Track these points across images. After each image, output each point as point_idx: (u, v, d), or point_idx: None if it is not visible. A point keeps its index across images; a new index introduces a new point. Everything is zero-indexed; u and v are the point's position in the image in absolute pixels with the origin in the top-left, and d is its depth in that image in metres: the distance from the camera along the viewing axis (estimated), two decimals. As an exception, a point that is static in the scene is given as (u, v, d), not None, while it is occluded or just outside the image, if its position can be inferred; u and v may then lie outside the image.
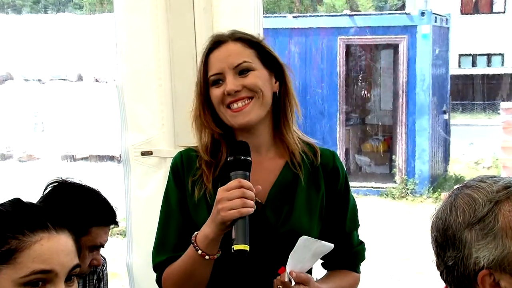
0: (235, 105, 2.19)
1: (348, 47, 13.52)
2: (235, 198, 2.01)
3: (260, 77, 2.22)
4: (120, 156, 3.24)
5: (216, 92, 2.22)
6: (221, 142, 2.27)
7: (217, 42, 2.24)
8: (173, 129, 3.01)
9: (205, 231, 2.08)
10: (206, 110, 2.25)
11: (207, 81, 2.23)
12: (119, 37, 3.04)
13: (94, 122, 15.10)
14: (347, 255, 2.35)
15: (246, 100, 2.19)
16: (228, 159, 2.11)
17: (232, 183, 2.04)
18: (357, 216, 2.38)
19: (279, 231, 2.20)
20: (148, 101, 3.04)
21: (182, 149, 2.36)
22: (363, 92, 14.52)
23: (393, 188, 13.10)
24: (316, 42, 13.33)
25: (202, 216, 2.17)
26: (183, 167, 2.28)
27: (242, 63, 2.21)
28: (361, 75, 14.46)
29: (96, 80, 15.85)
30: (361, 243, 2.39)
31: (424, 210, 11.65)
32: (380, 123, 14.46)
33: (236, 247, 1.99)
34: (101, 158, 15.42)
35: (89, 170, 13.83)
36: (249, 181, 2.06)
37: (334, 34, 13.30)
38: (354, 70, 14.30)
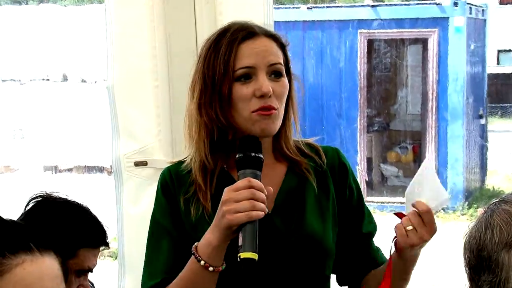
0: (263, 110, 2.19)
1: (370, 42, 13.53)
2: (244, 199, 2.00)
3: (287, 86, 2.25)
4: (111, 167, 3.25)
5: (243, 90, 2.19)
6: (215, 150, 2.27)
7: (251, 33, 2.22)
8: (171, 136, 3.03)
9: (208, 238, 2.08)
10: (218, 108, 2.22)
11: (229, 74, 2.19)
12: (110, 32, 3.06)
13: (81, 129, 15.13)
14: (367, 261, 2.39)
15: (271, 109, 2.19)
16: (237, 156, 2.11)
17: (241, 182, 2.04)
18: (373, 217, 2.43)
19: (290, 239, 2.22)
20: (143, 104, 3.06)
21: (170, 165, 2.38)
22: (387, 93, 14.51)
23: (422, 203, 13.06)
24: (334, 36, 13.35)
25: (202, 234, 2.17)
26: (173, 182, 2.29)
27: (278, 64, 2.22)
28: (385, 74, 14.46)
29: (83, 81, 15.89)
30: (378, 249, 2.44)
31: (457, 229, 11.61)
32: (407, 129, 14.45)
33: (242, 255, 1.98)
34: (89, 169, 15.44)
35: (75, 183, 13.85)
36: (260, 181, 2.06)
37: (355, 27, 13.32)
38: (377, 69, 14.30)
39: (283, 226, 2.22)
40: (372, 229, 2.41)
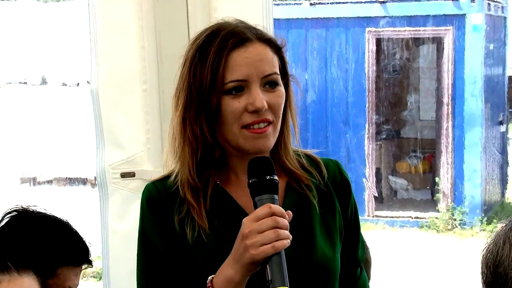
0: (255, 126, 2.18)
1: (379, 41, 13.55)
2: (267, 229, 2.00)
3: (283, 95, 2.23)
4: (95, 179, 3.26)
5: (234, 105, 2.17)
6: (203, 165, 2.27)
7: (243, 39, 2.19)
8: (161, 145, 3.02)
9: (228, 274, 2.08)
10: (204, 123, 2.21)
11: (218, 87, 2.17)
12: (94, 30, 3.06)
13: (61, 136, 15.12)
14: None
15: (266, 123, 2.19)
16: (250, 181, 2.09)
17: (261, 210, 2.03)
18: (365, 241, 2.49)
19: (300, 266, 2.22)
20: (130, 110, 3.06)
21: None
22: (397, 98, 14.52)
23: (437, 218, 13.07)
24: (339, 35, 13.37)
25: (201, 257, 2.19)
26: (161, 198, 2.28)
27: (273, 74, 2.20)
28: (395, 77, 14.48)
29: (64, 84, 15.89)
30: (365, 278, 2.47)
31: (475, 246, 11.61)
32: (419, 137, 14.46)
33: None
34: (70, 181, 15.43)
35: (55, 196, 13.84)
36: (278, 205, 2.06)
37: (362, 25, 13.34)
38: (386, 71, 14.32)
39: (291, 252, 2.20)
40: (363, 255, 2.45)
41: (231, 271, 2.07)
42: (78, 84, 15.48)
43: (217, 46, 2.18)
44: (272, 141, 2.21)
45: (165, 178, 2.32)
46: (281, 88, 2.22)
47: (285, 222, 2.03)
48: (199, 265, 2.19)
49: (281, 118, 2.23)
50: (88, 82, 3.19)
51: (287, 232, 2.02)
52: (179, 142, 2.25)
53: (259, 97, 2.15)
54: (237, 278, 2.06)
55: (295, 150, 2.35)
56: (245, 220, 2.04)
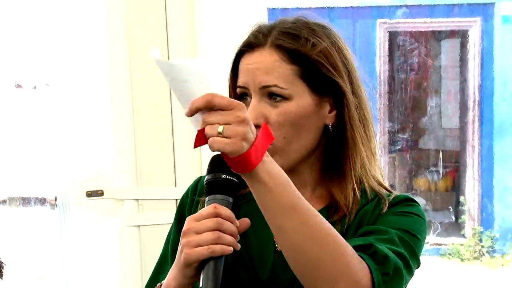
0: None
1: (393, 36, 13.57)
2: (207, 230, 2.02)
3: (291, 112, 2.22)
4: (55, 199, 3.26)
5: None
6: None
7: (249, 45, 2.25)
8: (134, 157, 3.03)
9: (168, 280, 2.12)
10: None
11: (235, 92, 2.28)
12: (55, 24, 3.06)
13: (16, 149, 15.11)
14: None
15: None
16: (206, 179, 2.12)
17: (205, 210, 2.05)
18: None
19: None
20: (97, 117, 3.06)
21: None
22: (415, 102, 14.56)
23: (461, 244, 13.07)
24: (346, 28, 13.40)
25: None
26: (192, 198, 2.36)
27: (272, 86, 2.21)
28: (412, 78, 14.51)
29: (18, 86, 15.89)
30: None
31: (506, 277, 11.63)
32: (440, 148, 14.47)
33: None
34: (26, 201, 15.41)
35: (9, 219, 13.81)
36: (232, 210, 2.07)
37: (373, 16, 13.36)
38: (401, 70, 14.35)
39: None
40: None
41: (170, 276, 2.11)
42: (35, 87, 15.48)
43: (238, 50, 2.29)
44: (277, 160, 2.13)
45: None
46: (288, 105, 2.21)
47: (231, 227, 2.03)
48: None
49: (293, 139, 2.23)
50: (46, 85, 3.19)
51: (231, 238, 2.02)
52: None
53: (250, 109, 2.19)
54: (173, 284, 2.10)
55: (373, 185, 2.34)
56: (187, 218, 2.07)
